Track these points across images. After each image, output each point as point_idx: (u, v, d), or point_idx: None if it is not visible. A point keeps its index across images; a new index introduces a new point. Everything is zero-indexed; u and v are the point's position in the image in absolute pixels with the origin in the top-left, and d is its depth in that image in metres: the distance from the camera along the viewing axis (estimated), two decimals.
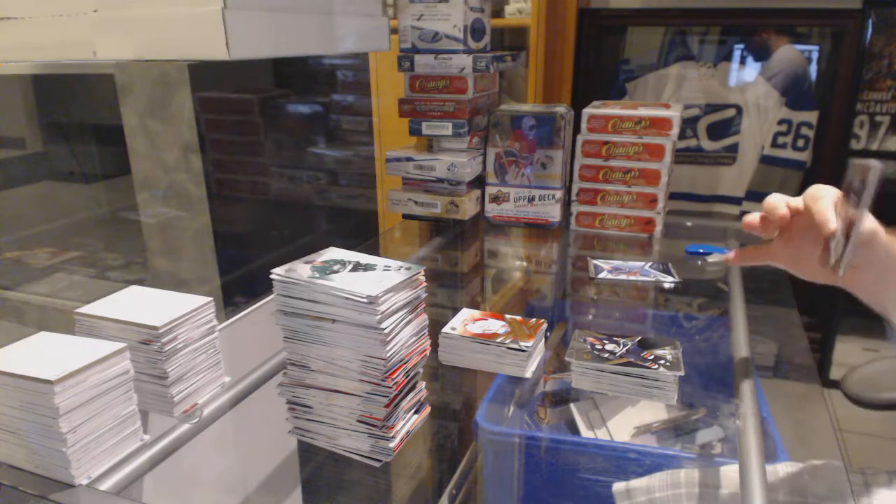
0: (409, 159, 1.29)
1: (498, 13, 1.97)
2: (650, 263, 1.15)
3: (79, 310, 0.68)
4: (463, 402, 1.12)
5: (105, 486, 0.59)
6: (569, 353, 0.78)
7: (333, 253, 0.70)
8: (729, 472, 0.81)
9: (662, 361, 0.75)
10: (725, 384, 0.93)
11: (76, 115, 2.16)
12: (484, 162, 1.33)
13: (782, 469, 0.77)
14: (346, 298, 0.61)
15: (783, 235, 0.70)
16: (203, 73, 1.91)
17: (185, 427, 0.68)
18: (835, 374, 2.06)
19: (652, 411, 1.08)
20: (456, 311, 0.88)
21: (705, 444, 1.01)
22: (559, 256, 1.34)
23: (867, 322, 1.22)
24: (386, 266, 0.66)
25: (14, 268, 2.03)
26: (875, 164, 0.58)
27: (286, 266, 0.65)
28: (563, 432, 1.08)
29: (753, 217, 0.69)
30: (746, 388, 0.74)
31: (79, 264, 2.10)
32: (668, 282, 1.09)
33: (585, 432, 1.06)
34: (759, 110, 2.00)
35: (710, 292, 1.15)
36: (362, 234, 2.30)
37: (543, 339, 0.85)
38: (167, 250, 2.04)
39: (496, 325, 0.84)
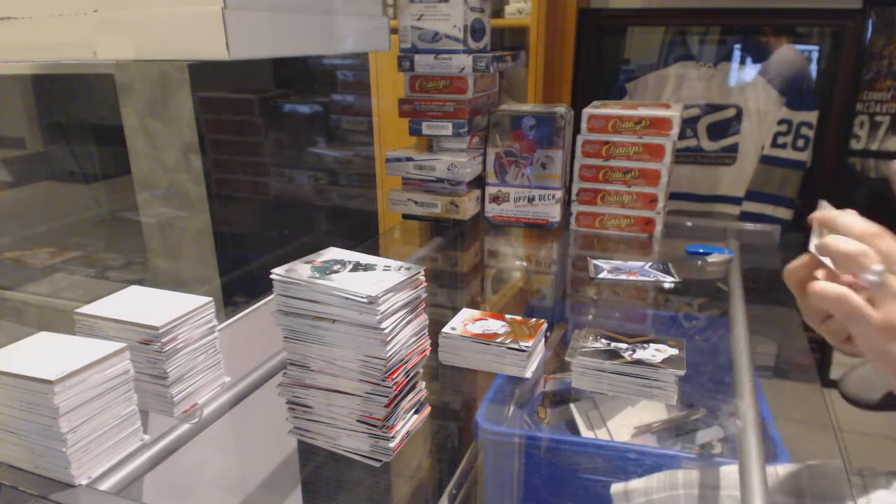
0: (409, 159, 1.29)
1: (498, 13, 1.97)
2: (650, 263, 1.15)
3: (79, 310, 0.68)
4: (463, 402, 1.12)
5: (105, 486, 0.59)
6: (569, 353, 0.78)
7: (333, 253, 0.70)
8: (728, 473, 0.81)
9: (663, 361, 0.75)
10: (725, 384, 0.93)
11: (76, 115, 2.16)
12: (484, 162, 1.33)
13: (782, 469, 0.77)
14: (346, 298, 0.61)
15: None
16: (203, 73, 1.91)
17: (185, 427, 0.68)
18: (835, 374, 2.06)
19: (652, 411, 1.08)
20: (456, 311, 0.88)
21: (705, 444, 1.01)
22: (559, 256, 1.34)
23: None
24: (386, 266, 0.66)
25: (14, 268, 2.03)
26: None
27: (286, 266, 0.65)
28: (563, 432, 1.08)
29: None
30: (746, 388, 0.73)
31: (79, 264, 2.10)
32: (668, 282, 1.09)
33: (585, 432, 1.06)
34: (758, 110, 2.00)
35: (710, 292, 1.15)
36: (362, 234, 2.30)
37: (543, 339, 0.85)
38: (167, 250, 2.04)
39: (496, 325, 0.84)
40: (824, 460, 0.76)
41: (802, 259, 0.60)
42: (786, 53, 1.99)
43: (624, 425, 1.06)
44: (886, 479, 0.76)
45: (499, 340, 0.80)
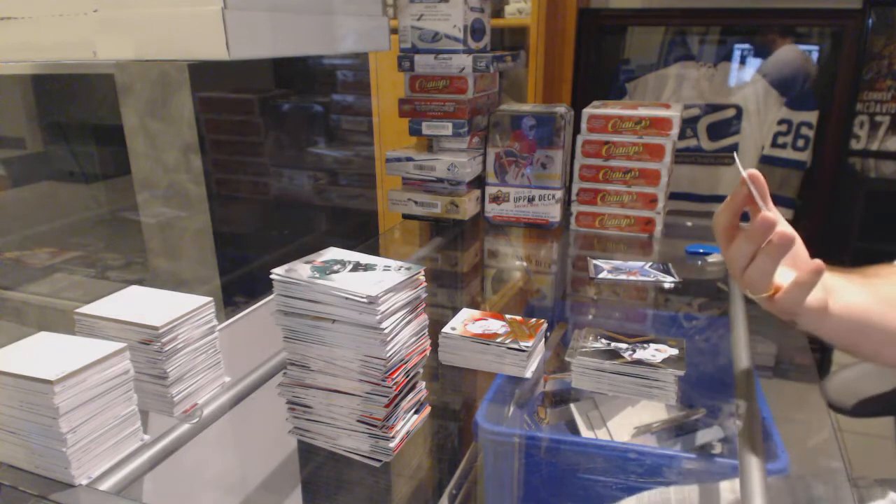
0: (409, 159, 1.29)
1: (498, 13, 1.97)
2: (650, 263, 1.15)
3: (79, 310, 0.68)
4: (463, 402, 1.12)
5: (105, 486, 0.59)
6: (569, 353, 0.78)
7: (333, 253, 0.70)
8: (720, 490, 0.80)
9: (663, 361, 0.75)
10: (725, 384, 0.93)
11: (76, 115, 2.16)
12: (484, 162, 1.33)
13: (780, 479, 0.76)
14: (346, 298, 0.60)
15: None
16: (203, 73, 1.91)
17: (185, 427, 0.68)
18: None
19: (652, 411, 1.08)
20: (456, 311, 0.88)
21: (705, 444, 1.01)
22: (559, 256, 1.34)
23: None
24: (386, 266, 0.66)
25: (14, 268, 2.03)
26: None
27: (286, 266, 0.65)
28: (563, 432, 1.08)
29: None
30: (746, 388, 0.73)
31: (79, 264, 2.10)
32: (668, 282, 1.09)
33: (585, 432, 1.06)
34: (759, 110, 2.00)
35: (710, 292, 1.15)
36: (362, 234, 2.30)
37: (543, 339, 0.85)
38: (167, 250, 2.04)
39: (496, 325, 0.84)
40: (823, 463, 0.76)
41: (727, 202, 0.63)
42: (786, 53, 1.99)
43: (624, 425, 1.06)
44: (881, 489, 0.76)
45: (499, 340, 0.80)
